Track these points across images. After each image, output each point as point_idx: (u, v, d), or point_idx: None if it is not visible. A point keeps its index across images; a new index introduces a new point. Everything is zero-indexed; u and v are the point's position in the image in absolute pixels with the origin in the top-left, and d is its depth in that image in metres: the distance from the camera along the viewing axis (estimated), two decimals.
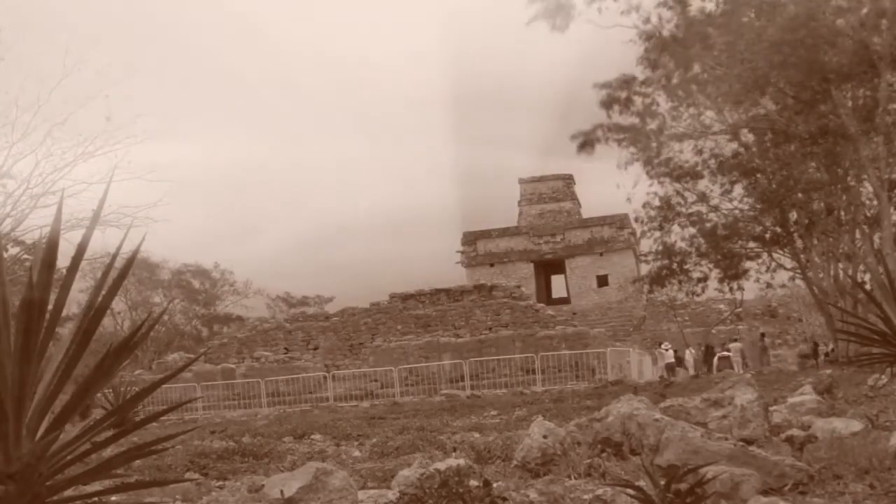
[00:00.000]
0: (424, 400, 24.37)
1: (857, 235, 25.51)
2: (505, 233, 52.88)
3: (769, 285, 29.36)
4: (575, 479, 5.61)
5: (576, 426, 7.05)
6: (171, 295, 54.38)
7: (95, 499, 3.87)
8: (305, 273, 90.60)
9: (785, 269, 27.80)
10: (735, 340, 32.93)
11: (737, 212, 27.34)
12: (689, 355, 32.34)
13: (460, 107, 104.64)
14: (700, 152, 26.75)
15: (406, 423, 13.56)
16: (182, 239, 74.44)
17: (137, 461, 7.57)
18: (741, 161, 26.31)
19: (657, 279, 28.76)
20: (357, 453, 9.67)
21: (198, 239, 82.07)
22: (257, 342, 38.13)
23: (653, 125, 26.28)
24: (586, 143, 26.53)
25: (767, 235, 27.08)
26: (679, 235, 27.85)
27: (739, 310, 35.21)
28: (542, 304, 39.82)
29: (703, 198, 27.36)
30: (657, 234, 27.93)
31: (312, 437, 12.22)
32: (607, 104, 26.13)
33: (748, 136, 26.76)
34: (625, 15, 24.81)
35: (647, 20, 24.94)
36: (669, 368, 30.11)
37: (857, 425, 6.79)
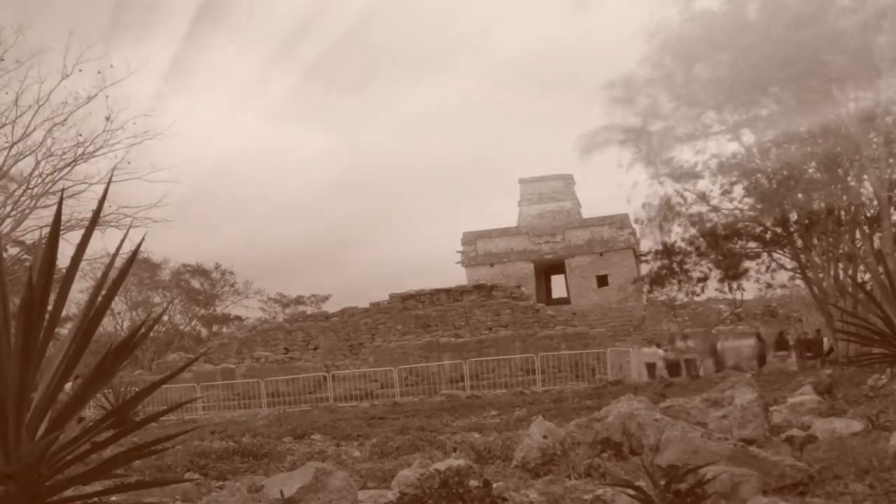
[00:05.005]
0: (424, 400, 24.39)
1: (857, 235, 25.48)
2: (505, 233, 52.82)
3: (769, 285, 29.31)
4: (575, 479, 5.60)
5: (576, 426, 7.04)
6: (171, 295, 54.30)
7: (95, 499, 3.86)
8: (304, 273, 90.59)
9: (785, 269, 27.77)
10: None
11: (737, 212, 27.31)
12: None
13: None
14: (700, 152, 26.71)
15: (406, 424, 13.58)
16: (186, 239, 74.51)
17: (137, 461, 7.57)
18: (741, 161, 26.28)
19: (657, 279, 28.73)
20: (357, 453, 9.67)
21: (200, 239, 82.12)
22: (257, 342, 38.13)
23: (657, 126, 26.23)
24: (589, 146, 26.42)
25: (767, 235, 27.05)
26: (679, 235, 27.84)
27: (739, 310, 35.13)
28: (542, 304, 39.81)
29: (703, 198, 27.32)
30: (657, 234, 27.90)
31: (312, 437, 12.23)
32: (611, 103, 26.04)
33: (749, 136, 26.74)
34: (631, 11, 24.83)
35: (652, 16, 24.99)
36: (669, 367, 30.01)
37: (857, 425, 6.79)
